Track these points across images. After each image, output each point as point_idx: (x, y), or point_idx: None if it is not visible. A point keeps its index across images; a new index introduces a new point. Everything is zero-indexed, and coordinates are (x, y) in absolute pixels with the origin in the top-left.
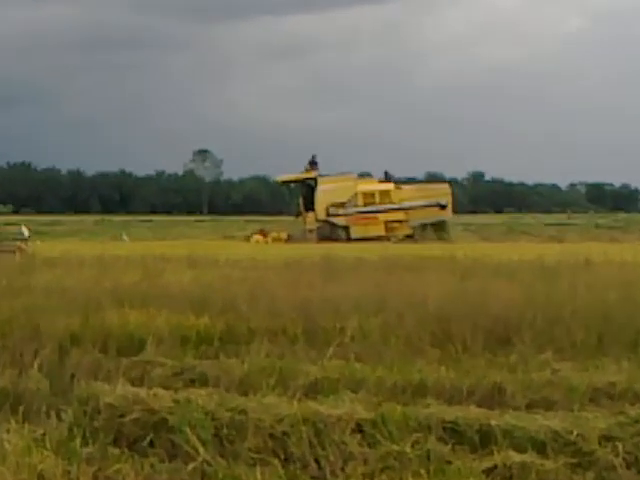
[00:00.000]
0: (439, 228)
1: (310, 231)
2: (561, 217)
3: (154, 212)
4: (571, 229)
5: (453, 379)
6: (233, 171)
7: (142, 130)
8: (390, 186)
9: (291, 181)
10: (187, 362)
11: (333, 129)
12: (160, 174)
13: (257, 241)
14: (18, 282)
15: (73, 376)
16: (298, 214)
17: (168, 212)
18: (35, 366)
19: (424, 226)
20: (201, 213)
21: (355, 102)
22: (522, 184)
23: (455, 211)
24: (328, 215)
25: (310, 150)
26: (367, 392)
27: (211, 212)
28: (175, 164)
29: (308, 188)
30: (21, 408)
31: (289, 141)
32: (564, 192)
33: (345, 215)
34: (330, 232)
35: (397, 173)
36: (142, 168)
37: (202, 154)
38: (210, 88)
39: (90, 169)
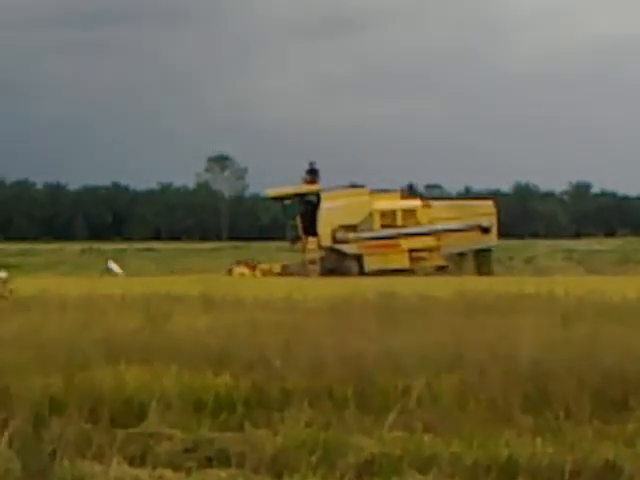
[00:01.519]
0: (481, 258)
1: (311, 262)
2: None
3: (157, 238)
4: None
5: (552, 455)
6: (261, 184)
7: (141, 131)
8: (416, 203)
9: (285, 196)
10: (202, 434)
11: (390, 130)
12: (165, 188)
13: (241, 274)
14: None
15: (53, 453)
16: (295, 239)
17: (176, 238)
18: (4, 440)
19: (461, 255)
20: (219, 239)
21: (419, 94)
22: None
23: (552, 235)
24: (335, 241)
25: (360, 157)
26: (439, 473)
27: (233, 237)
28: (185, 175)
29: (308, 205)
30: None
31: (334, 145)
32: None
33: (357, 241)
34: (337, 263)
35: (475, 185)
36: (141, 180)
37: (220, 161)
38: (228, 76)
39: (74, 182)
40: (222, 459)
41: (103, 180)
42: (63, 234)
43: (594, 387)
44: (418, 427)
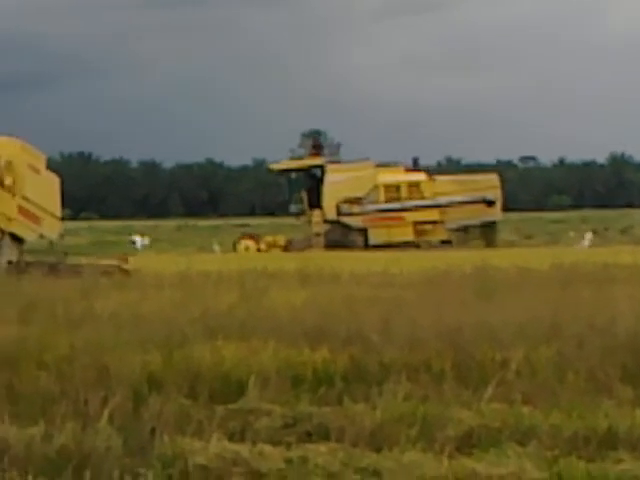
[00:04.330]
0: (486, 231)
1: (317, 235)
2: None
3: (253, 214)
4: None
5: None
6: (355, 158)
7: (234, 108)
8: (421, 177)
9: (291, 169)
10: (301, 409)
11: (482, 104)
12: (259, 164)
13: (246, 248)
14: (78, 309)
15: (153, 430)
16: (300, 213)
17: (271, 213)
18: (104, 418)
19: (465, 229)
20: None
21: (510, 69)
22: None
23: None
24: (339, 214)
25: (453, 132)
26: (539, 444)
27: None
28: (279, 150)
29: (313, 179)
30: (87, 473)
31: (425, 120)
32: None
33: (362, 214)
34: (342, 236)
35: (570, 156)
36: (236, 157)
37: (314, 136)
38: (319, 54)
39: (168, 160)
40: (321, 434)
41: (197, 157)
42: (158, 212)
43: None
44: (517, 399)
